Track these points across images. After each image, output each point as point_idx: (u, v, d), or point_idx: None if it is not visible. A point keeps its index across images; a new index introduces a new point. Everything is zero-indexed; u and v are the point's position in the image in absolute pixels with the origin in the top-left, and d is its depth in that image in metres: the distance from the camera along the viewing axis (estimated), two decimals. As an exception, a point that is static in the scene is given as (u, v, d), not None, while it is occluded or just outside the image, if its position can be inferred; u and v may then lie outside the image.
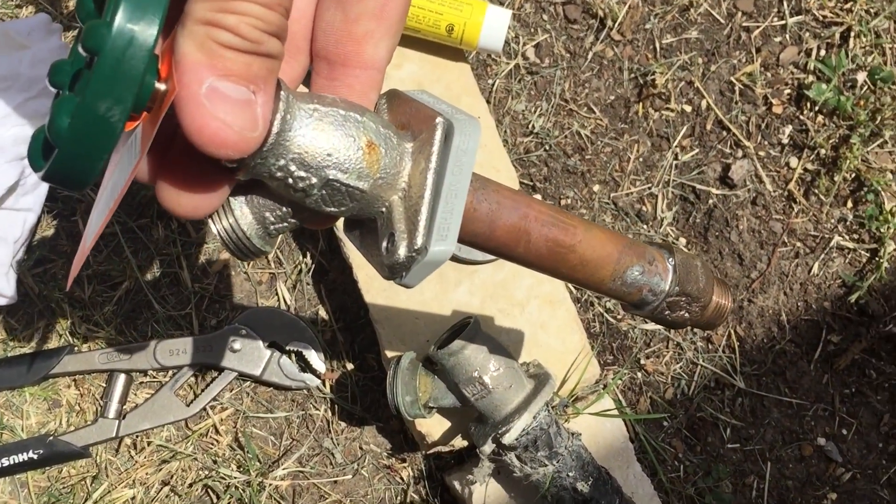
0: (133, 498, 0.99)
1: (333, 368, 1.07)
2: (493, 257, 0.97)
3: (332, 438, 1.05)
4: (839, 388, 1.11)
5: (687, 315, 0.66)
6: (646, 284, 0.63)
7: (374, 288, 0.99)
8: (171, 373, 1.02)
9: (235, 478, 1.00)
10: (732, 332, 1.10)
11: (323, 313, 1.08)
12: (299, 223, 0.51)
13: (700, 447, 1.08)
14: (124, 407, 1.00)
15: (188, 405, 1.00)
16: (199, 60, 0.38)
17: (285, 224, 0.50)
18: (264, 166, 0.43)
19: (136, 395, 1.02)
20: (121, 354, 0.99)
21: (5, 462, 0.94)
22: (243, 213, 0.49)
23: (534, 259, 0.58)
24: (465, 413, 0.95)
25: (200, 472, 1.01)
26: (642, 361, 1.09)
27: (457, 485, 0.99)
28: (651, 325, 1.10)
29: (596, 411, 0.99)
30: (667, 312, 0.65)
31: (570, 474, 0.88)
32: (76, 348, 1.00)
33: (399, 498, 1.05)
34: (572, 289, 1.06)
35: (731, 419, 1.09)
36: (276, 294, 1.08)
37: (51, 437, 0.96)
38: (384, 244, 0.49)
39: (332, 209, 0.47)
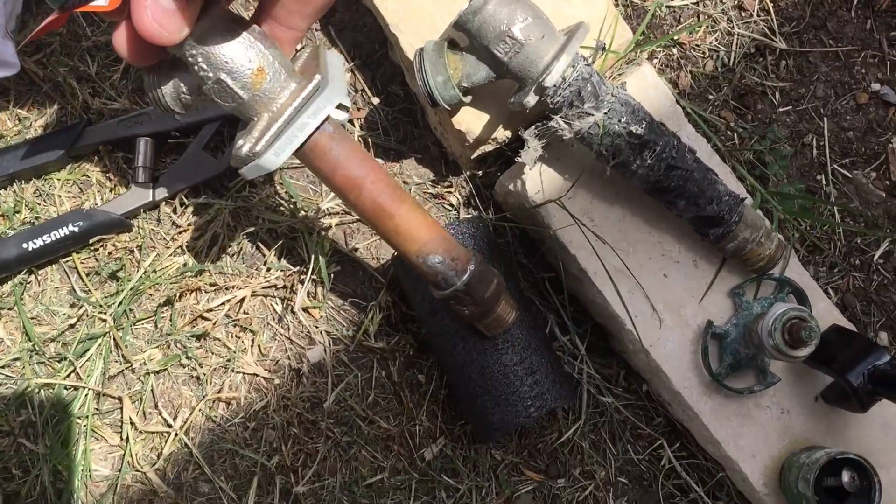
0: (185, 264, 0.97)
1: (360, 107, 1.02)
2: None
3: (372, 176, 1.01)
4: (885, 31, 1.05)
5: (466, 312, 0.80)
6: (442, 273, 0.77)
7: (383, -7, 0.93)
8: (194, 134, 0.98)
9: (281, 222, 0.97)
10: (764, -8, 1.04)
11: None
12: (204, 104, 0.69)
13: (751, 115, 1.04)
14: (155, 172, 0.97)
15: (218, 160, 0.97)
16: None
17: (190, 98, 0.68)
18: (181, 51, 0.61)
19: (164, 161, 0.99)
20: (140, 118, 0.95)
21: (46, 239, 0.92)
22: (168, 77, 0.67)
23: (359, 210, 0.74)
24: (501, 100, 0.90)
25: (246, 229, 0.98)
26: (676, 37, 1.04)
27: (508, 184, 0.95)
28: (678, 2, 1.04)
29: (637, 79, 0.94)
30: (452, 302, 0.79)
31: (622, 119, 0.84)
32: (93, 120, 0.97)
33: (452, 224, 1.01)
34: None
35: (777, 83, 1.04)
36: (286, 44, 1.03)
37: (88, 209, 0.93)
38: (240, 140, 0.66)
39: (219, 101, 0.64)
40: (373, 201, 0.72)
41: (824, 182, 1.03)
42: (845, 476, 0.86)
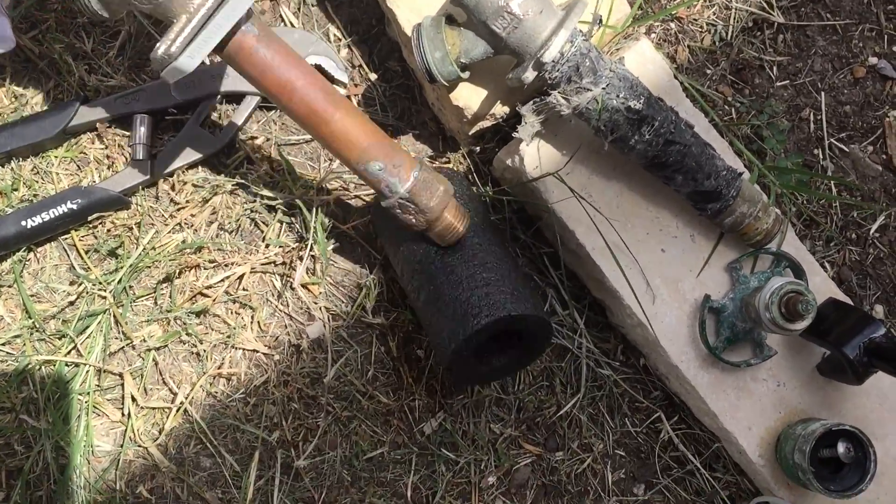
0: (184, 241, 0.97)
1: (357, 83, 1.02)
2: None
3: (370, 153, 1.01)
4: (882, 4, 1.05)
5: (413, 221, 0.80)
6: (384, 181, 0.77)
7: (380, -33, 0.93)
8: (191, 111, 0.98)
9: (279, 199, 0.97)
10: (762, -35, 1.04)
11: (334, 30, 1.03)
12: (124, 7, 0.73)
13: (749, 89, 1.04)
14: (153, 149, 0.96)
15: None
16: None
17: None
18: None
19: (161, 139, 0.98)
20: (137, 95, 0.95)
21: (45, 216, 0.92)
22: None
23: (293, 115, 0.75)
24: (499, 76, 0.90)
25: (245, 206, 0.98)
26: (674, 12, 1.03)
27: (506, 160, 0.95)
28: (675, -25, 1.04)
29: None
30: (398, 211, 0.79)
31: (620, 94, 0.84)
32: (90, 98, 0.96)
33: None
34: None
35: (775, 57, 1.04)
36: (281, 20, 1.03)
37: (86, 186, 0.93)
38: (159, 43, 0.68)
39: (135, 1, 0.68)
40: (306, 105, 0.73)
41: (821, 156, 1.03)
42: (841, 447, 0.87)
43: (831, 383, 0.94)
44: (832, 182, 1.02)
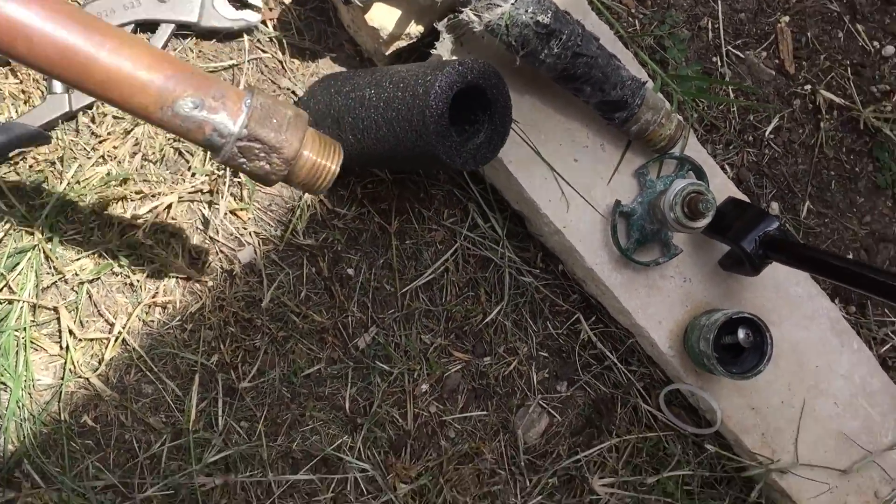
0: (108, 173, 0.97)
1: (271, 6, 1.03)
2: None
3: (289, 78, 1.03)
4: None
5: (268, 167, 0.61)
6: (207, 122, 0.57)
7: None
8: (106, 42, 0.97)
9: (203, 127, 0.98)
10: None
11: (245, -46, 1.02)
12: None
13: (651, 1, 1.08)
14: (69, 83, 0.96)
15: (133, 68, 0.97)
16: None
17: None
18: None
19: (77, 72, 0.98)
20: (47, 28, 0.94)
21: (-36, 156, 0.91)
22: None
23: (44, 66, 0.51)
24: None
25: (167, 135, 0.99)
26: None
27: (423, 79, 0.98)
28: None
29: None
30: (242, 160, 0.60)
31: (529, 9, 0.87)
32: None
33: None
34: None
35: (675, -30, 1.08)
36: (191, -54, 1.02)
37: (3, 122, 0.93)
38: None
39: None
40: (54, 47, 0.50)
41: (719, 63, 1.09)
42: (741, 333, 0.95)
43: (732, 276, 1.02)
44: (730, 87, 1.08)
